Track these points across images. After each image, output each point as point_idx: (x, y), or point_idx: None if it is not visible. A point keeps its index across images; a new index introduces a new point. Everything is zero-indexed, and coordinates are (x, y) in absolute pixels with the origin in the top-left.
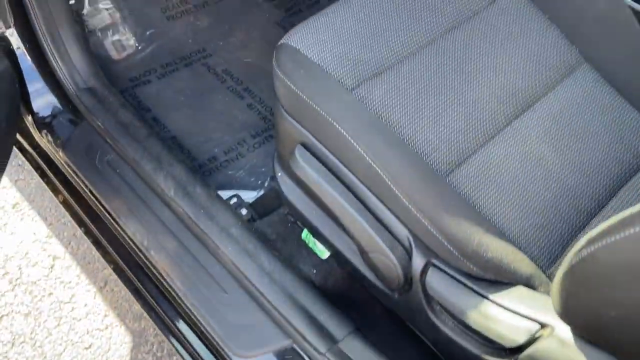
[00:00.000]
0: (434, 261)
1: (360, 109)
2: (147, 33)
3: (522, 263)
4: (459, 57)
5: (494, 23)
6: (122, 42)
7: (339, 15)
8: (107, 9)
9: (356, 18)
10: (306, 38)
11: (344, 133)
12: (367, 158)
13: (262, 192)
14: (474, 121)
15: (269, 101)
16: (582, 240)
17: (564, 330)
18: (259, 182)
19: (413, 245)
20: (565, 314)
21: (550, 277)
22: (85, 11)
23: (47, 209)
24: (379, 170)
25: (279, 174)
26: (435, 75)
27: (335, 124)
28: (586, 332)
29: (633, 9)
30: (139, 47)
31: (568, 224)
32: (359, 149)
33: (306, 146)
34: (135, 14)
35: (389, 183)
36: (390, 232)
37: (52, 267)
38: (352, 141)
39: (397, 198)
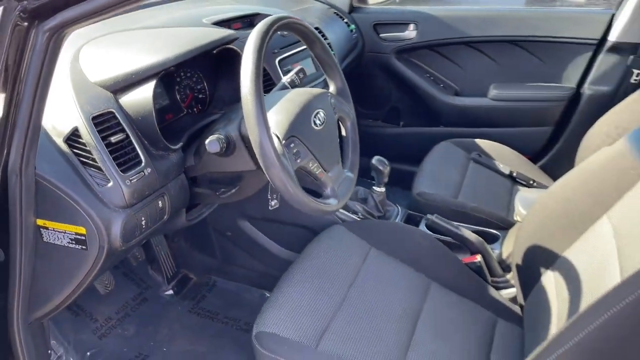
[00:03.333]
0: None
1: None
2: (88, 354)
3: None
4: (366, 300)
5: (376, 273)
6: None
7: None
8: None
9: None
10: (276, 321)
11: None
12: None
13: None
14: (387, 336)
15: None
16: None
17: None
18: None
19: None
20: None
21: None
22: None
23: None
24: None
25: None
26: (356, 315)
27: None
28: None
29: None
30: None
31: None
32: None
33: None
34: (73, 343)
35: None
36: None
37: None
38: None
39: None
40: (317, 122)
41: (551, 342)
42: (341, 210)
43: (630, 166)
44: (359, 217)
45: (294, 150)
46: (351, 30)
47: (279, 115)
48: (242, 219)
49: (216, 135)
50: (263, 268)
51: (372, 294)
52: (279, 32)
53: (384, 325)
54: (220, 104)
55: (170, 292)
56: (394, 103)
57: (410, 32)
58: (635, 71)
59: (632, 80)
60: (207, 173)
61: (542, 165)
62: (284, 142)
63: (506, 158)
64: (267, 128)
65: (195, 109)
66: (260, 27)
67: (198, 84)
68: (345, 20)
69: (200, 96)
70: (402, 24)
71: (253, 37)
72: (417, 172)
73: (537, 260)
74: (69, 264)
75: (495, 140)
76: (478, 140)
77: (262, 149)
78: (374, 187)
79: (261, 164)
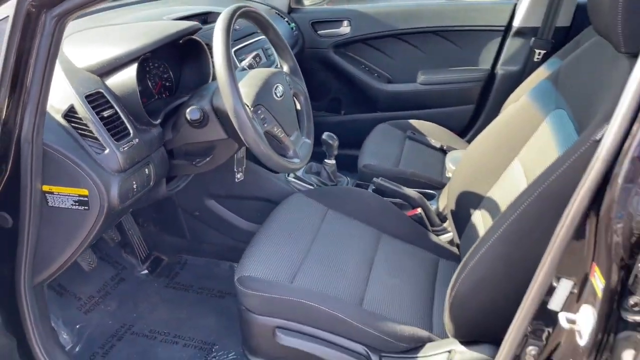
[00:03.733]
0: (383, 354)
1: (305, 289)
2: (77, 327)
3: (415, 329)
4: (328, 249)
5: (334, 228)
6: (61, 342)
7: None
8: None
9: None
10: (254, 267)
11: (312, 304)
12: (332, 311)
13: None
14: (349, 274)
15: (196, 334)
16: (448, 289)
17: (460, 345)
18: None
19: (369, 352)
20: (457, 334)
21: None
22: None
23: None
24: (339, 314)
25: None
26: (321, 261)
27: (305, 300)
28: (472, 336)
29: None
30: (75, 340)
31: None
32: (322, 307)
33: (282, 328)
34: (62, 318)
35: (347, 319)
36: (356, 351)
37: None
38: (317, 305)
39: (352, 325)
40: (278, 93)
41: (479, 242)
42: (298, 182)
43: (532, 116)
44: (314, 187)
45: (261, 117)
46: (292, 29)
47: (246, 88)
48: (208, 198)
49: (195, 106)
50: (230, 242)
51: (333, 245)
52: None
53: (346, 267)
54: (186, 90)
55: (145, 271)
56: (335, 94)
57: (345, 28)
58: (537, 51)
59: (535, 59)
60: (182, 145)
61: (469, 139)
62: (252, 109)
63: (437, 134)
64: (240, 96)
65: (164, 95)
66: (225, 13)
67: (165, 73)
68: (286, 19)
69: (167, 84)
70: (337, 21)
71: (221, 21)
72: (361, 150)
73: (467, 203)
74: (72, 224)
75: (426, 120)
76: (411, 121)
77: (237, 113)
78: (325, 160)
79: (237, 127)
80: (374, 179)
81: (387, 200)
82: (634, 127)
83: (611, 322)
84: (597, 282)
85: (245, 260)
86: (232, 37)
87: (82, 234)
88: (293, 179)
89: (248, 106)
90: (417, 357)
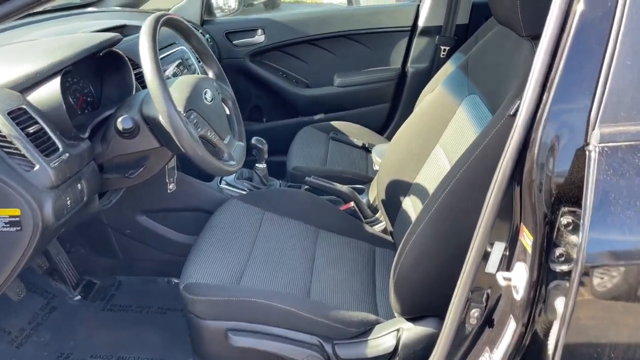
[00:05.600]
0: (335, 342)
1: (252, 288)
2: None
3: (362, 314)
4: (269, 250)
5: (273, 230)
6: None
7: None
8: None
9: (216, 252)
10: (198, 273)
11: (261, 300)
12: (282, 305)
13: None
14: (293, 270)
15: (141, 353)
16: (391, 269)
17: (407, 322)
18: None
19: (321, 341)
20: (403, 310)
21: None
22: None
23: None
24: (288, 308)
25: None
26: (265, 260)
27: (253, 299)
28: (417, 311)
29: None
30: None
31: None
32: (271, 303)
33: (233, 329)
34: None
35: (297, 311)
36: (309, 343)
37: None
38: (266, 301)
39: (302, 317)
40: (208, 98)
41: (414, 222)
42: (231, 189)
43: (448, 104)
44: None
45: (194, 121)
46: (207, 40)
47: (176, 93)
48: (139, 214)
49: (126, 115)
50: (166, 257)
51: (274, 245)
52: None
53: (289, 263)
54: (110, 103)
55: (78, 297)
56: (255, 102)
57: (259, 37)
58: (442, 47)
59: (441, 55)
60: (113, 158)
61: (387, 136)
62: (184, 114)
63: (358, 133)
64: (172, 101)
65: (86, 110)
66: (149, 21)
67: (85, 88)
68: (200, 31)
69: (89, 99)
70: (251, 30)
71: (145, 28)
72: (288, 154)
73: (396, 192)
74: (5, 247)
75: (346, 121)
76: (333, 122)
77: (170, 118)
78: (256, 165)
79: (171, 133)
80: (306, 178)
81: (320, 197)
82: (544, 97)
83: (542, 275)
84: (526, 239)
85: (188, 269)
86: None
87: (15, 257)
88: (225, 186)
89: (180, 111)
90: (367, 340)
